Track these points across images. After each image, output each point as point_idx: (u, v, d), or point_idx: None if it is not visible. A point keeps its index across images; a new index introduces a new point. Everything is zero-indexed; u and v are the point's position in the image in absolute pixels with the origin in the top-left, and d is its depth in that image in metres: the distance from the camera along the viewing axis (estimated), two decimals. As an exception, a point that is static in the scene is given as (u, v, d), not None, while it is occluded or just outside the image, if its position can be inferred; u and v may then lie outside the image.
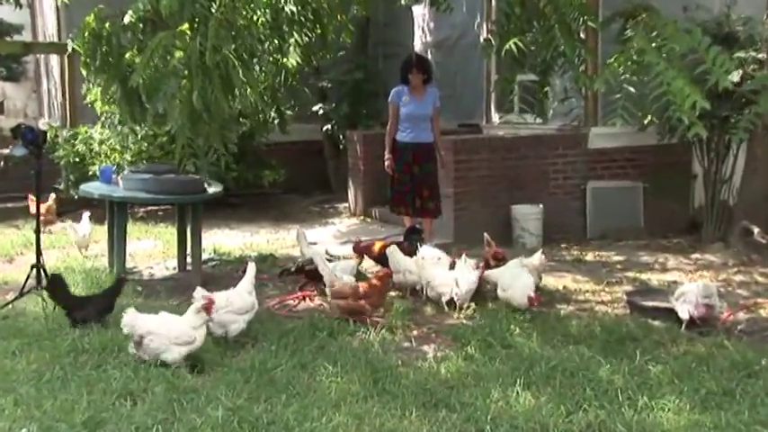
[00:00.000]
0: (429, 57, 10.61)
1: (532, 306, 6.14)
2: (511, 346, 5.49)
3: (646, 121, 8.52)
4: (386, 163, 8.49)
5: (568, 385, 4.78)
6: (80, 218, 8.75)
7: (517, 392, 4.66)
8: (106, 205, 7.74)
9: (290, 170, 11.80)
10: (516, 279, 6.33)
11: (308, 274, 6.88)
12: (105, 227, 7.91)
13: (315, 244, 8.49)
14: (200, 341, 5.02)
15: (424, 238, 8.00)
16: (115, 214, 7.42)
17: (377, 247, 7.41)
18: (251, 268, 5.95)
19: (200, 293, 5.43)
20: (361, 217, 10.92)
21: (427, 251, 7.10)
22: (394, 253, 6.87)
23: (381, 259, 7.10)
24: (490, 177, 9.00)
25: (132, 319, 5.03)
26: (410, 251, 7.08)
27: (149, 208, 11.29)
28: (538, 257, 6.92)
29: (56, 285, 5.94)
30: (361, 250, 7.53)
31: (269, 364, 5.06)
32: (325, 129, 12.44)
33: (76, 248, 8.51)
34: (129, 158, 10.53)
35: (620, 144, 9.49)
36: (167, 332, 4.96)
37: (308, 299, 6.76)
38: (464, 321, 6.12)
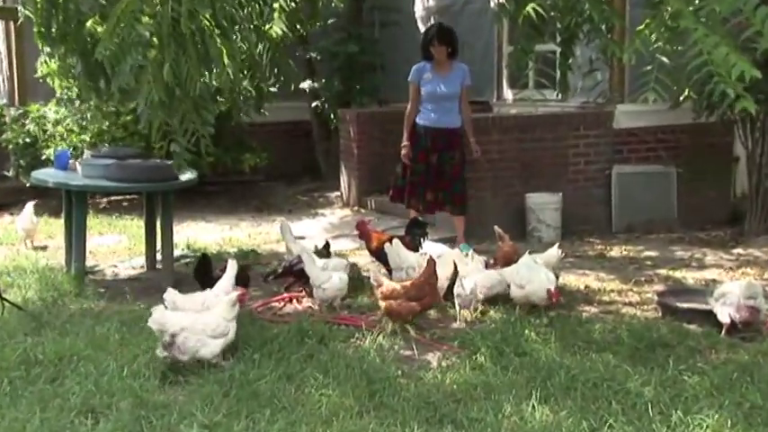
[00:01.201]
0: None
1: (551, 302, 6.21)
2: (526, 353, 5.51)
3: (681, 97, 8.52)
4: (402, 151, 8.40)
5: (591, 398, 4.80)
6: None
7: (533, 406, 4.68)
8: (63, 195, 7.75)
9: (274, 154, 11.86)
10: (535, 273, 6.39)
11: (297, 274, 6.91)
12: (62, 220, 7.93)
13: (302, 238, 8.53)
14: (233, 334, 5.21)
15: (458, 238, 8.11)
16: (73, 205, 7.43)
17: (374, 240, 7.41)
18: (231, 266, 5.95)
19: (171, 295, 5.46)
20: (355, 207, 10.97)
21: (431, 247, 7.15)
22: (397, 247, 6.88)
23: (379, 254, 7.13)
24: (502, 162, 9.04)
25: (161, 318, 5.10)
26: (411, 247, 7.11)
27: (112, 198, 11.34)
28: (554, 253, 6.97)
29: (202, 266, 6.53)
30: (364, 231, 7.49)
31: (251, 375, 5.07)
32: (313, 106, 12.40)
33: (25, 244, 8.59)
34: (89, 140, 10.52)
35: (650, 123, 9.53)
36: (203, 326, 5.11)
37: (295, 301, 6.78)
38: (472, 326, 6.17)
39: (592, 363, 5.29)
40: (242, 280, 6.31)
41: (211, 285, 6.02)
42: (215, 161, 10.63)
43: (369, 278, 6.54)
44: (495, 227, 7.47)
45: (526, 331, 5.88)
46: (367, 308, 6.56)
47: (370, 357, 5.42)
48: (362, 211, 10.70)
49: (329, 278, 6.46)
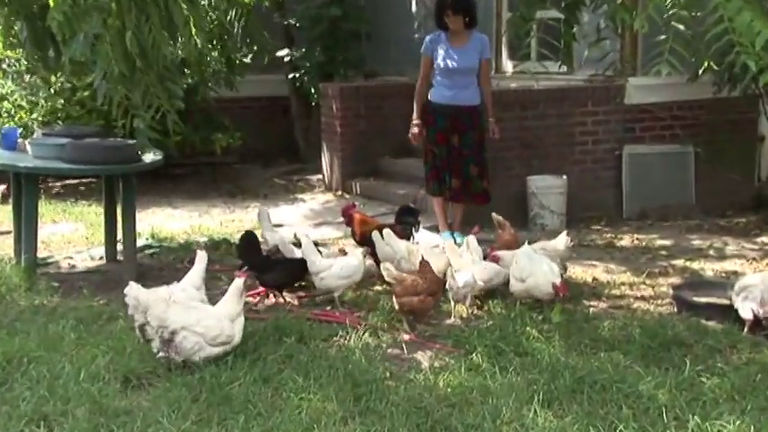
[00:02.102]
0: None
1: (558, 297, 6.22)
2: (527, 353, 5.52)
3: (700, 70, 8.51)
4: (412, 130, 8.39)
5: (599, 402, 4.82)
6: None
7: (535, 411, 4.69)
8: (11, 178, 7.74)
9: (249, 133, 11.84)
10: (538, 264, 6.40)
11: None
12: (10, 206, 7.92)
13: (280, 226, 8.50)
14: (239, 338, 5.27)
15: (453, 226, 8.16)
16: (22, 189, 7.40)
17: (358, 226, 7.47)
18: (200, 258, 5.96)
19: (134, 290, 5.43)
20: (339, 192, 10.98)
21: (424, 236, 7.23)
22: (388, 237, 6.89)
23: (364, 243, 7.16)
24: (501, 141, 8.95)
25: (162, 312, 5.14)
26: (402, 236, 7.16)
27: (67, 182, 11.28)
28: (562, 241, 6.99)
29: (246, 243, 6.65)
30: (350, 217, 7.54)
31: (223, 378, 5.07)
32: (290, 77, 12.39)
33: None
34: (40, 118, 10.47)
35: (665, 98, 9.57)
36: (205, 330, 5.17)
37: (272, 295, 6.79)
38: (468, 323, 6.19)
39: (600, 363, 5.32)
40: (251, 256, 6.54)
41: (260, 265, 6.35)
42: (182, 141, 10.58)
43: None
44: (494, 214, 7.47)
45: (527, 328, 5.89)
46: (352, 302, 6.62)
47: (355, 357, 5.43)
48: (347, 196, 10.71)
49: (329, 266, 6.48)
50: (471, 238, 6.85)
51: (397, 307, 6.09)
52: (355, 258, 6.61)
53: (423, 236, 7.17)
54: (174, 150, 10.24)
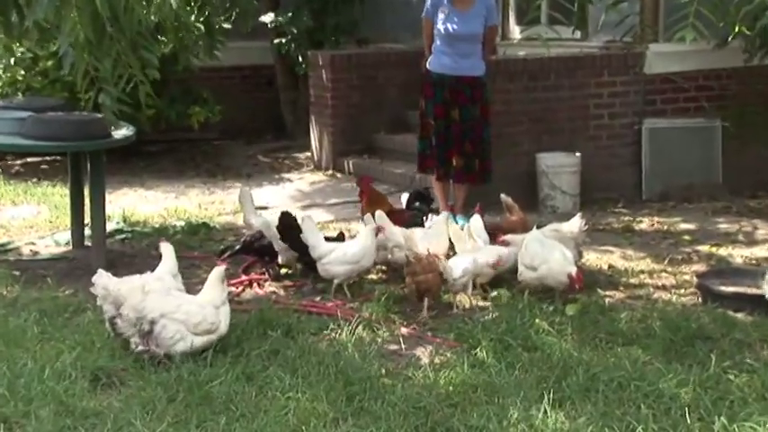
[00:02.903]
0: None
1: (573, 289, 6.23)
2: (536, 347, 5.53)
3: (730, 36, 8.49)
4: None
5: (616, 401, 4.83)
6: None
7: (545, 411, 4.69)
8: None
9: (230, 106, 11.83)
10: (550, 251, 6.39)
11: (258, 252, 6.96)
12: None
13: (265, 209, 8.55)
14: (225, 327, 5.31)
15: (455, 208, 8.15)
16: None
17: (365, 204, 7.57)
18: (166, 250, 5.94)
19: (103, 279, 5.43)
20: (330, 171, 10.98)
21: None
22: (381, 221, 6.87)
23: None
24: (508, 115, 9.01)
25: (139, 302, 5.17)
26: (411, 223, 7.17)
27: (29, 159, 11.28)
28: (576, 224, 6.97)
29: (286, 223, 6.76)
30: (364, 188, 7.64)
31: (202, 376, 5.06)
32: (276, 44, 12.38)
33: None
34: (-1, 90, 10.45)
35: (690, 67, 9.58)
36: (186, 317, 5.20)
37: (255, 285, 6.82)
38: (471, 315, 6.19)
39: (617, 359, 5.32)
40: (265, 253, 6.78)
41: (299, 246, 6.53)
42: (157, 115, 10.56)
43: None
44: (503, 195, 7.49)
45: (536, 321, 5.90)
46: (344, 292, 6.63)
47: (348, 353, 5.43)
48: (338, 175, 10.72)
49: (331, 250, 6.51)
50: (476, 219, 6.89)
51: (411, 288, 6.12)
52: (364, 238, 6.56)
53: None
54: (148, 125, 10.21)
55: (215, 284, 5.43)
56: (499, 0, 10.93)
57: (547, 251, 6.39)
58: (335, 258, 6.49)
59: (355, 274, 6.59)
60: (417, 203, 7.85)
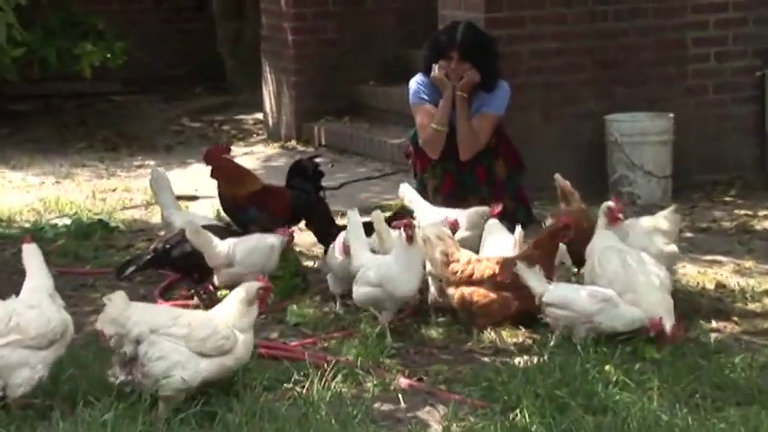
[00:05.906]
0: None
1: (663, 339, 5.71)
2: (606, 408, 5.15)
3: None
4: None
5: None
6: None
7: None
8: None
9: (140, 43, 11.21)
10: (637, 270, 5.85)
11: (178, 264, 6.50)
12: None
13: (192, 199, 8.14)
14: (244, 353, 5.17)
15: None
16: None
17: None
18: (30, 255, 5.32)
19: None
20: (291, 142, 10.40)
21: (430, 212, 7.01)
22: (378, 222, 6.55)
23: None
24: (560, 56, 8.46)
25: (121, 310, 5.03)
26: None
27: None
28: (667, 218, 6.40)
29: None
30: (214, 162, 7.21)
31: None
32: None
33: None
34: None
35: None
36: (189, 330, 5.07)
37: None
38: (501, 358, 5.81)
39: (727, 425, 4.92)
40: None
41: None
42: (27, 56, 9.90)
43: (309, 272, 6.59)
44: (557, 176, 6.95)
45: (606, 368, 5.49)
46: (316, 326, 6.17)
47: (320, 418, 4.99)
48: (305, 149, 10.11)
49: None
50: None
51: (453, 301, 5.85)
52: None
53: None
54: (13, 72, 9.72)
55: (239, 304, 5.26)
56: None
57: (631, 272, 5.88)
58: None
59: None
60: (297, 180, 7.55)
